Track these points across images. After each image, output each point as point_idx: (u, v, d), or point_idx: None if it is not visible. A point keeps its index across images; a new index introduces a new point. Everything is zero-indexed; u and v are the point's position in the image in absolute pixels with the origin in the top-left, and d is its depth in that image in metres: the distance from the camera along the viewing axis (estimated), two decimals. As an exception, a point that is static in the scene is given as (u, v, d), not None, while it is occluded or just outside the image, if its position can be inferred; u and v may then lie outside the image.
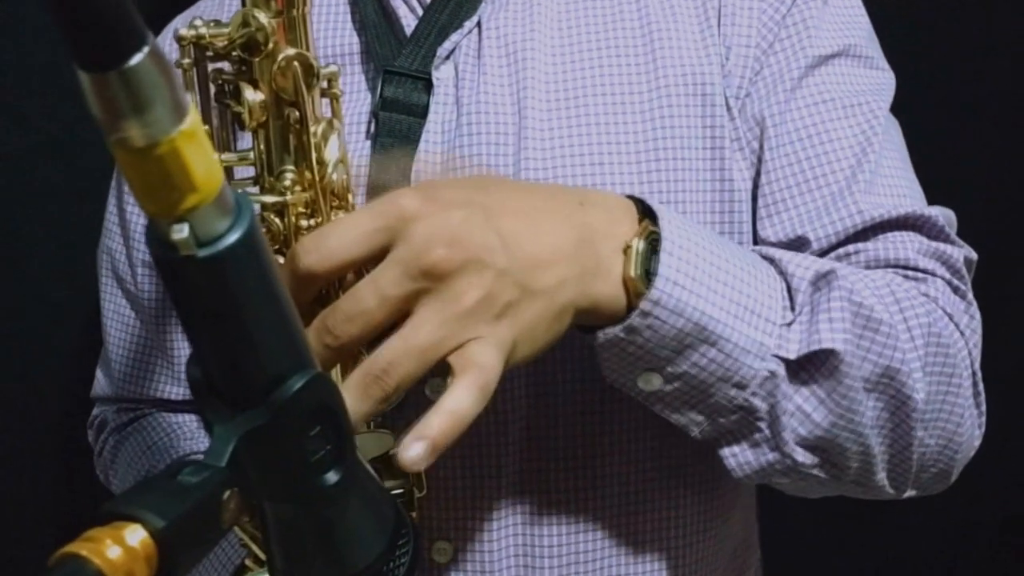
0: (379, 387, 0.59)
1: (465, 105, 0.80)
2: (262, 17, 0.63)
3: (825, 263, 0.73)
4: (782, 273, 0.73)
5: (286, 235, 0.66)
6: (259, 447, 0.48)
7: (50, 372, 1.33)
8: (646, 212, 0.69)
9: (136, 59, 0.39)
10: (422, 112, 0.80)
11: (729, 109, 0.81)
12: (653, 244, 0.67)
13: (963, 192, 0.95)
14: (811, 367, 0.71)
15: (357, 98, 0.83)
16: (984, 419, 0.80)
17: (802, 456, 0.72)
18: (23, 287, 1.30)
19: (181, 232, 0.43)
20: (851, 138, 0.81)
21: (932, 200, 0.83)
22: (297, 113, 0.65)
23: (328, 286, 0.64)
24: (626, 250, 0.66)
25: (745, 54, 0.82)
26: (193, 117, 0.42)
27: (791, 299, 0.72)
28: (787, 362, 0.70)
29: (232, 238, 0.44)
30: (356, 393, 0.59)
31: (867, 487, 0.77)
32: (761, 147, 0.81)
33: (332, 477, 0.52)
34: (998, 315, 0.94)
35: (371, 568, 0.56)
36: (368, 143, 0.80)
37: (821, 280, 0.72)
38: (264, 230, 0.66)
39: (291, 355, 0.49)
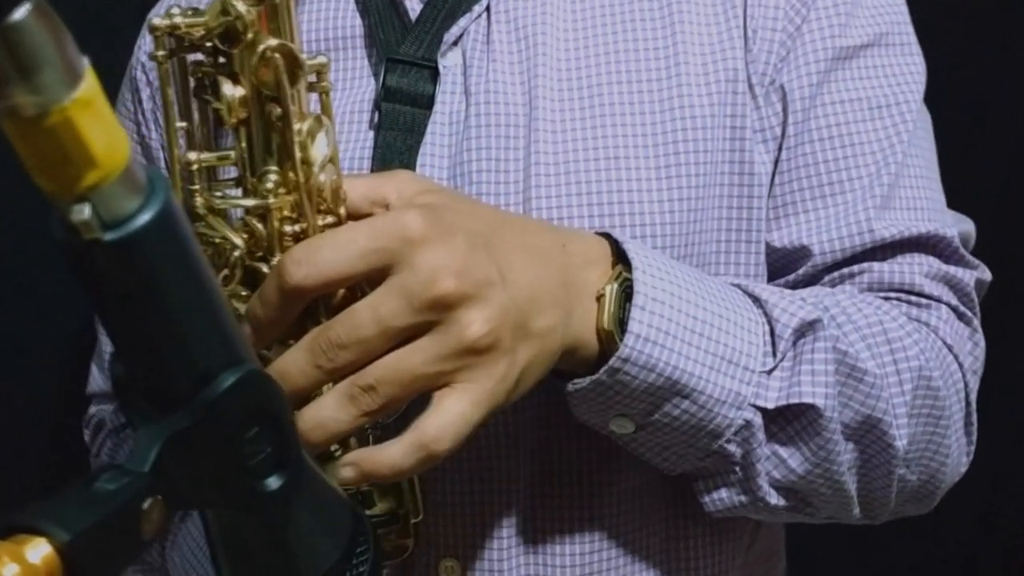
0: (365, 401, 0.56)
1: (474, 95, 0.76)
2: (241, 5, 0.59)
3: (812, 309, 0.70)
4: (767, 315, 0.70)
5: (269, 241, 0.62)
6: (188, 450, 0.44)
7: (45, 368, 1.31)
8: (621, 255, 0.66)
9: (18, 14, 0.35)
10: (427, 103, 0.76)
11: (754, 97, 0.76)
12: (627, 291, 0.65)
13: (977, 195, 0.91)
14: (789, 416, 0.69)
15: (359, 85, 0.79)
16: (973, 447, 0.77)
17: (775, 499, 0.71)
18: (14, 283, 1.29)
19: (82, 213, 0.39)
20: (874, 143, 0.77)
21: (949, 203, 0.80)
22: (279, 109, 0.61)
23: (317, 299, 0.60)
24: (599, 298, 0.64)
25: (771, 38, 0.77)
26: (90, 83, 0.38)
27: (774, 344, 0.69)
28: (764, 411, 0.68)
29: (143, 219, 0.40)
30: (340, 401, 0.57)
31: (841, 520, 0.76)
32: (781, 140, 0.76)
33: (274, 482, 0.47)
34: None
35: None
36: (371, 134, 0.76)
37: (807, 328, 0.69)
38: (247, 236, 0.62)
39: (221, 349, 0.45)
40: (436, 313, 0.56)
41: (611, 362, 0.64)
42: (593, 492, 0.75)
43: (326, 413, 0.57)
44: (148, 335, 0.43)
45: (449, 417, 0.57)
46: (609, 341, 0.64)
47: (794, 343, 0.70)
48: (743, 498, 0.71)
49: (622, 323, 0.64)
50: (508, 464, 0.74)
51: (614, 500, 0.75)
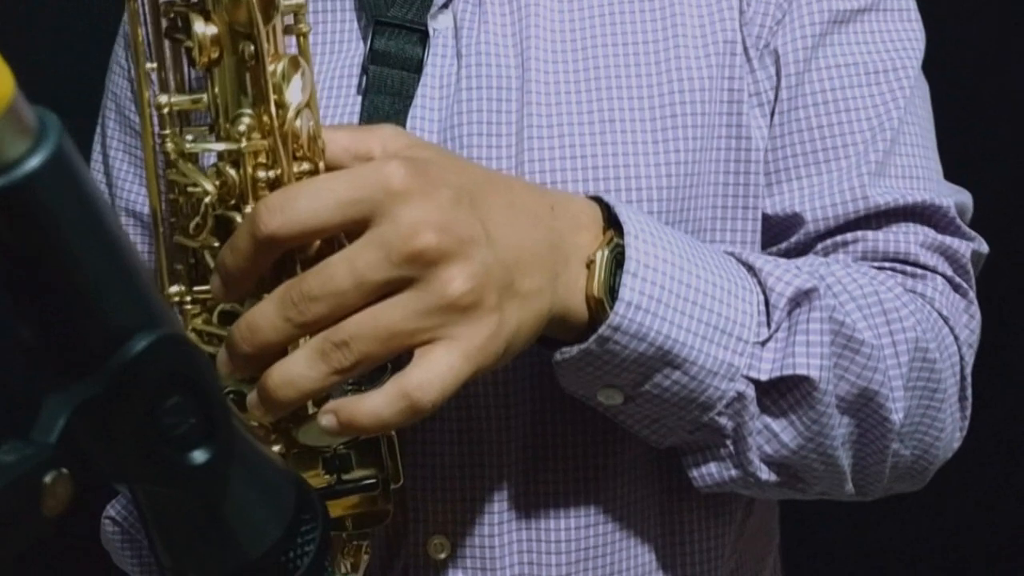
0: (337, 357, 0.54)
1: (465, 57, 0.73)
2: None
3: (808, 278, 0.67)
4: (761, 284, 0.67)
5: (242, 188, 0.59)
6: (100, 420, 0.40)
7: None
8: (612, 220, 0.64)
9: None
10: (416, 66, 0.73)
11: (749, 60, 0.73)
12: (619, 257, 0.62)
13: (976, 172, 0.87)
14: (783, 389, 0.67)
15: (347, 48, 0.76)
16: (967, 422, 0.74)
17: (767, 474, 0.69)
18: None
19: None
20: (869, 109, 0.74)
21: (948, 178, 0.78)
22: (252, 48, 0.57)
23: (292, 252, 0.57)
24: (589, 264, 0.62)
25: (767, 0, 0.74)
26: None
27: (768, 314, 0.67)
28: (757, 383, 0.66)
29: (31, 164, 0.36)
30: (311, 357, 0.54)
31: (832, 496, 0.74)
32: (775, 105, 0.74)
33: (200, 456, 0.44)
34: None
35: (267, 557, 0.48)
36: (358, 98, 0.74)
37: (802, 297, 0.67)
38: (219, 183, 0.59)
39: (133, 310, 0.41)
40: (415, 268, 0.54)
41: (600, 330, 0.61)
42: (587, 466, 0.73)
43: (296, 370, 0.55)
44: (47, 294, 0.39)
45: (436, 368, 0.54)
46: (599, 309, 0.62)
47: (789, 313, 0.67)
48: (733, 472, 0.69)
49: (612, 290, 0.62)
50: (500, 438, 0.72)
51: (608, 474, 0.73)
